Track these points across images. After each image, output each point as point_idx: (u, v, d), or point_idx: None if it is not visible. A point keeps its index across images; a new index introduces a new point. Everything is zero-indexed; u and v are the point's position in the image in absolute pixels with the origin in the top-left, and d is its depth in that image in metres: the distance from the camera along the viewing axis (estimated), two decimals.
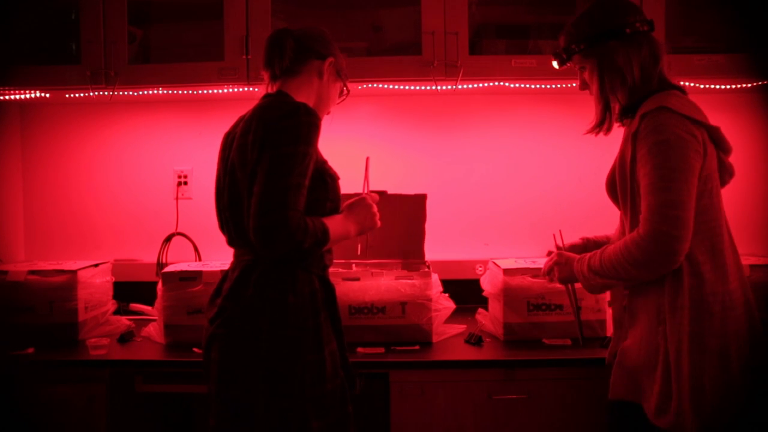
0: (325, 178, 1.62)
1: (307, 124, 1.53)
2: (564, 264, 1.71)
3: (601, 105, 1.65)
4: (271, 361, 1.53)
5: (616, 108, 1.66)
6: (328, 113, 1.79)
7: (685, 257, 1.49)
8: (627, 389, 1.58)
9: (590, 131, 1.69)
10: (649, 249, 1.46)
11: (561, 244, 1.85)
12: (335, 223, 1.62)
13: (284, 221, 1.46)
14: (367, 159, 1.89)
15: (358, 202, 1.71)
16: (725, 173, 1.62)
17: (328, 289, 1.66)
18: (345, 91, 1.81)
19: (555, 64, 1.72)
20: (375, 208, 1.72)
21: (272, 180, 1.48)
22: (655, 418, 1.51)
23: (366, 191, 1.83)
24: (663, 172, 1.46)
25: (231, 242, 1.68)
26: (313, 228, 1.52)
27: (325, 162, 1.66)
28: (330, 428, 1.57)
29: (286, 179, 1.48)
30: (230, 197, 1.63)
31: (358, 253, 2.03)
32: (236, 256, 1.67)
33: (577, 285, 1.70)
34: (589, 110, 1.71)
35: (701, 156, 1.49)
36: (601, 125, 1.67)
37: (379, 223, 1.74)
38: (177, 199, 2.63)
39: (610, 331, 1.96)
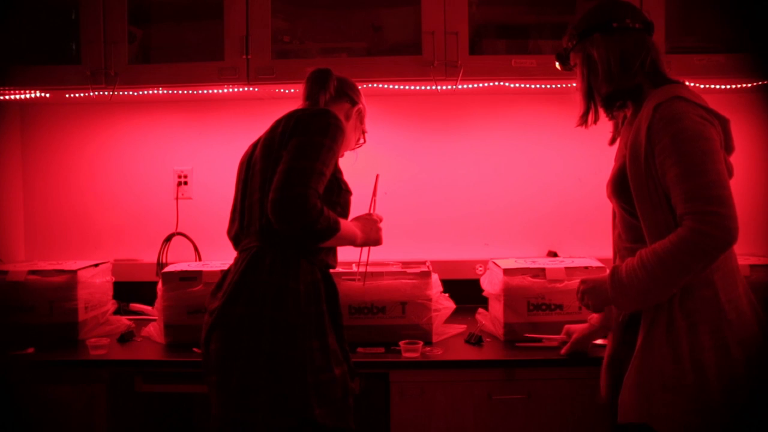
0: (340, 185, 1.71)
1: (335, 125, 1.64)
2: (592, 289, 1.58)
3: (584, 96, 1.64)
4: (273, 346, 1.54)
5: (599, 99, 1.63)
6: (341, 156, 1.85)
7: None
8: (639, 412, 1.48)
9: (579, 124, 1.67)
10: (702, 235, 1.36)
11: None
12: (346, 222, 1.69)
13: (303, 196, 1.52)
14: (377, 177, 1.94)
15: (366, 216, 1.84)
16: (728, 171, 1.55)
17: (330, 284, 1.69)
18: (362, 140, 1.95)
19: (557, 65, 1.72)
20: (379, 225, 1.84)
21: (297, 161, 1.56)
22: None
23: (373, 208, 1.90)
24: (692, 158, 1.41)
25: (239, 234, 1.70)
26: (327, 212, 1.57)
27: (341, 172, 1.73)
28: (332, 416, 1.58)
29: (312, 163, 1.56)
30: (249, 188, 1.68)
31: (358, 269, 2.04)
32: (241, 248, 1.68)
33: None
34: None
35: (721, 142, 1.46)
36: (587, 115, 1.65)
37: (383, 240, 1.84)
38: (177, 199, 2.63)
39: None
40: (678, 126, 1.44)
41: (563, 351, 1.89)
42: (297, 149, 1.58)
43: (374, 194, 1.92)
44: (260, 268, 1.59)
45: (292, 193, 1.52)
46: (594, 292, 1.57)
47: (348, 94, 1.85)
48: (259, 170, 1.65)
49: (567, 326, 1.93)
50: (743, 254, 2.33)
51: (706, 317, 1.45)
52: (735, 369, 1.44)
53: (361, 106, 1.88)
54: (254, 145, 1.75)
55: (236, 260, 1.68)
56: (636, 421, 1.49)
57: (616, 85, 1.57)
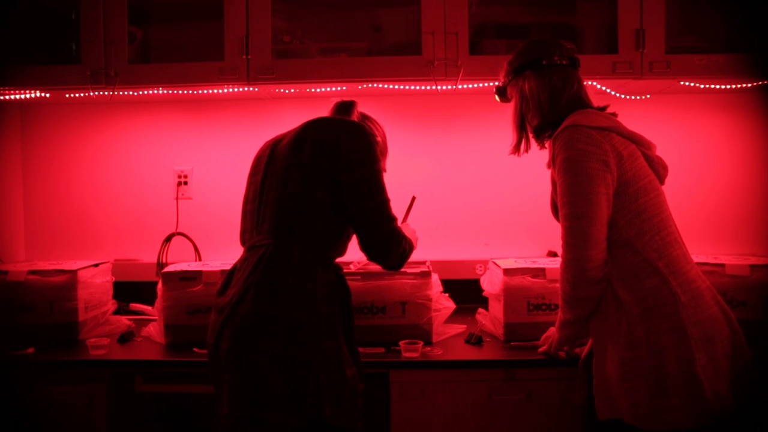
0: None
1: (375, 143, 1.71)
2: (548, 338, 1.90)
3: (517, 127, 1.81)
4: (287, 345, 1.54)
5: (530, 129, 1.79)
6: None
7: (639, 258, 1.55)
8: (609, 409, 1.60)
9: (512, 152, 1.83)
10: (566, 266, 1.61)
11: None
12: (410, 233, 1.85)
13: (394, 231, 1.68)
14: (413, 199, 2.08)
15: (404, 227, 1.93)
16: (658, 168, 1.69)
17: (344, 286, 1.70)
18: None
19: (497, 98, 1.88)
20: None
21: (375, 197, 1.66)
22: (640, 422, 1.52)
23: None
24: (565, 187, 1.59)
25: (248, 231, 1.71)
26: (405, 236, 1.72)
27: None
28: (343, 417, 1.59)
29: (381, 195, 1.68)
30: (266, 186, 1.70)
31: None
32: (251, 245, 1.68)
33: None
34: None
35: (607, 164, 1.58)
36: (519, 145, 1.82)
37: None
38: (177, 199, 2.63)
39: None
40: (561, 156, 1.60)
41: (550, 351, 1.88)
42: (366, 184, 1.65)
43: (407, 214, 2.08)
44: (275, 267, 1.59)
45: (386, 231, 1.67)
46: (551, 339, 1.84)
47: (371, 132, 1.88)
48: (282, 168, 1.67)
49: (544, 335, 1.94)
50: (743, 254, 2.33)
51: (660, 301, 1.54)
52: (692, 349, 1.51)
53: (379, 139, 1.88)
54: (273, 145, 1.75)
55: (245, 258, 1.67)
56: (609, 418, 1.60)
57: (546, 117, 1.69)
